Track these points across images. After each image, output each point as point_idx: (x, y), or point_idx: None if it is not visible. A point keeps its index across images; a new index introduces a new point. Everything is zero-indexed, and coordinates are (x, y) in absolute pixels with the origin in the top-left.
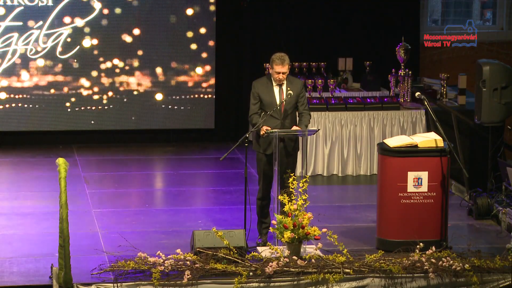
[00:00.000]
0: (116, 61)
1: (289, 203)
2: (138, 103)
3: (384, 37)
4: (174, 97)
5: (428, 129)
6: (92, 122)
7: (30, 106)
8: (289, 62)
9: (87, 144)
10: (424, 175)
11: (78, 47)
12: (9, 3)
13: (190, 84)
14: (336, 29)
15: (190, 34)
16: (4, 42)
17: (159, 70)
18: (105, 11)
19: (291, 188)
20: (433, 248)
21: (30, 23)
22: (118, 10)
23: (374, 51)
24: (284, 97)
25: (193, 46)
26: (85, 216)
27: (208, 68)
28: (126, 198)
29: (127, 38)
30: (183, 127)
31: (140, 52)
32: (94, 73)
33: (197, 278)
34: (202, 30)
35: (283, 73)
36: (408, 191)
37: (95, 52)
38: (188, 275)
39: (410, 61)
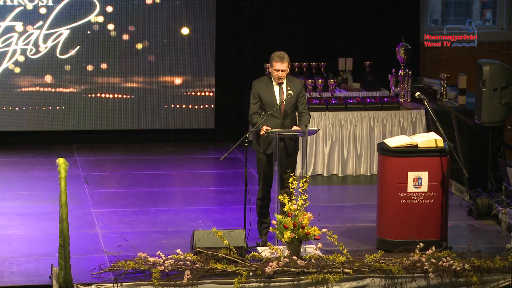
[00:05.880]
0: (116, 61)
1: (289, 203)
2: (138, 103)
3: (384, 37)
4: (174, 97)
5: (428, 129)
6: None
7: (30, 106)
8: (288, 60)
9: (87, 144)
10: (424, 175)
11: (78, 47)
12: (9, 3)
13: (190, 84)
14: (336, 29)
15: (190, 34)
16: (4, 42)
17: (159, 70)
18: (105, 11)
19: (291, 188)
20: (433, 248)
21: (30, 23)
22: (117, 10)
23: (374, 51)
24: (284, 96)
25: (193, 46)
26: (85, 216)
27: (208, 68)
28: (126, 198)
29: (127, 38)
30: (183, 127)
31: (140, 52)
32: (94, 73)
33: (197, 278)
34: (202, 30)
35: (283, 71)
36: (408, 191)
37: (95, 52)
38: (188, 275)
39: (410, 61)
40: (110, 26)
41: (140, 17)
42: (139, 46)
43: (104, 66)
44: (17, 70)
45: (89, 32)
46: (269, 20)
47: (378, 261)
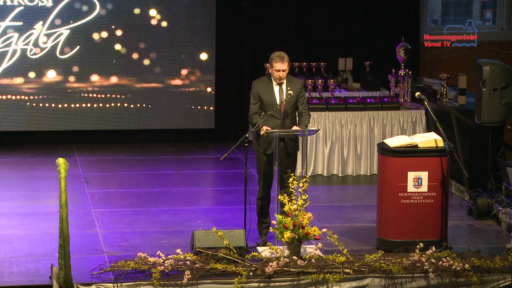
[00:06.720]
0: (115, 61)
1: (289, 203)
2: (138, 103)
3: (384, 37)
4: (174, 97)
5: (428, 129)
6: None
7: (30, 106)
8: (288, 60)
9: (87, 144)
10: (424, 175)
11: (78, 47)
12: (9, 3)
13: (190, 84)
14: (336, 29)
15: (190, 34)
16: (4, 42)
17: (159, 70)
18: (105, 11)
19: (291, 188)
20: (433, 248)
21: (30, 23)
22: (116, 11)
23: (374, 51)
24: (284, 96)
25: (193, 46)
26: (85, 216)
27: (208, 68)
28: (126, 198)
29: (127, 38)
30: (183, 127)
31: (139, 52)
32: (94, 73)
33: (197, 278)
34: (202, 30)
35: (283, 71)
36: (408, 191)
37: (95, 52)
38: (188, 275)
39: (410, 61)
40: (110, 27)
41: (140, 17)
42: (138, 45)
43: (103, 66)
44: (17, 70)
45: (88, 32)
46: (269, 20)
47: (378, 261)
